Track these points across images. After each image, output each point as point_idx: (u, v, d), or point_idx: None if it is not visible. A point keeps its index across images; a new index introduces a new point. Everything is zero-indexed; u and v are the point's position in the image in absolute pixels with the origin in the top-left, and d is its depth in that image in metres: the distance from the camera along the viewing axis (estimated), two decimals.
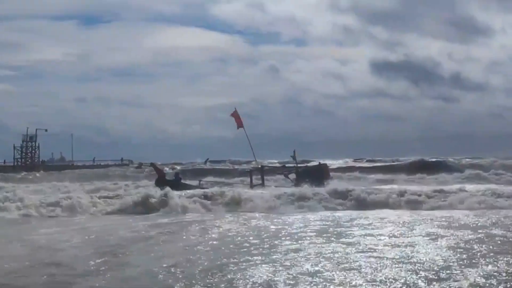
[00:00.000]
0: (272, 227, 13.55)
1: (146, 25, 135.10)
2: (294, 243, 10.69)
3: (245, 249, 10.02)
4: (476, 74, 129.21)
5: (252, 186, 25.41)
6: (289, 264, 8.55)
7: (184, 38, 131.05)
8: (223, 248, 10.25)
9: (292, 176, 26.33)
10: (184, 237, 12.12)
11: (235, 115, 26.88)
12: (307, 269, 8.15)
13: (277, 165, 32.64)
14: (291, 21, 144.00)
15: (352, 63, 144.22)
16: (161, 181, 24.05)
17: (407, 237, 11.30)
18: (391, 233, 11.83)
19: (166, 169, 35.08)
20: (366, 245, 10.22)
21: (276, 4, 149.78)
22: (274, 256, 9.21)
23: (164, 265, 8.61)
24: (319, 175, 25.31)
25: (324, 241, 10.83)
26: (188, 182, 26.27)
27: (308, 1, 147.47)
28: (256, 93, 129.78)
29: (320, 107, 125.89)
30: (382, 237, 11.19)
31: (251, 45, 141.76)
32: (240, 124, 26.60)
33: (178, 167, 44.23)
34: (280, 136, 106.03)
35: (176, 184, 23.58)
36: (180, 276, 7.88)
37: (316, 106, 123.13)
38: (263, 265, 8.45)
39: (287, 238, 11.44)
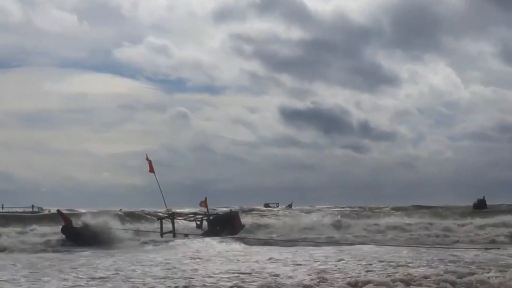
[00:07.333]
0: None
1: (53, 70, 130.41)
2: None
3: None
4: (384, 123, 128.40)
5: (162, 234, 24.51)
6: None
7: (92, 83, 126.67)
8: None
9: (204, 224, 25.81)
10: None
11: (148, 160, 26.85)
12: None
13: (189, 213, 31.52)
14: (197, 67, 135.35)
15: (261, 110, 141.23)
16: (68, 229, 22.64)
17: None
18: None
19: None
20: None
21: (180, 49, 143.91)
22: None
23: None
24: (230, 222, 25.05)
25: None
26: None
27: (212, 47, 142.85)
28: (166, 140, 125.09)
29: (231, 154, 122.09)
30: None
31: (159, 92, 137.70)
32: (151, 169, 26.40)
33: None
34: (191, 184, 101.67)
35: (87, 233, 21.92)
36: None
37: (227, 153, 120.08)
38: None
39: None
